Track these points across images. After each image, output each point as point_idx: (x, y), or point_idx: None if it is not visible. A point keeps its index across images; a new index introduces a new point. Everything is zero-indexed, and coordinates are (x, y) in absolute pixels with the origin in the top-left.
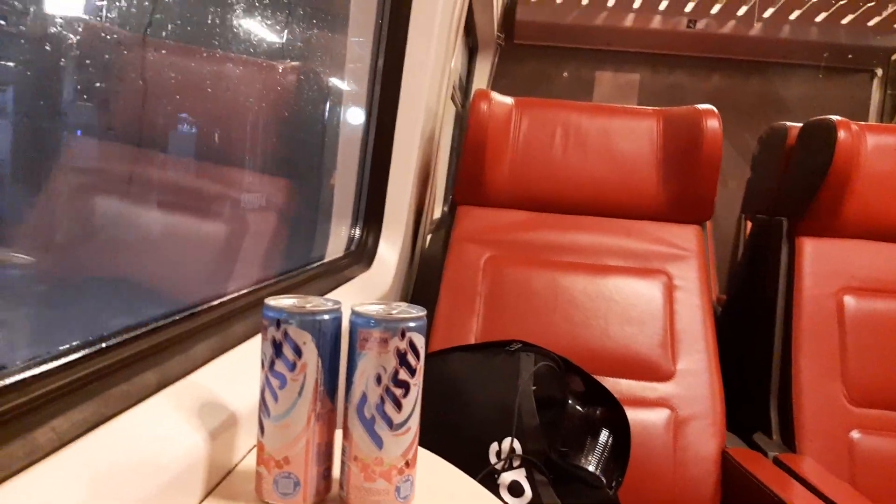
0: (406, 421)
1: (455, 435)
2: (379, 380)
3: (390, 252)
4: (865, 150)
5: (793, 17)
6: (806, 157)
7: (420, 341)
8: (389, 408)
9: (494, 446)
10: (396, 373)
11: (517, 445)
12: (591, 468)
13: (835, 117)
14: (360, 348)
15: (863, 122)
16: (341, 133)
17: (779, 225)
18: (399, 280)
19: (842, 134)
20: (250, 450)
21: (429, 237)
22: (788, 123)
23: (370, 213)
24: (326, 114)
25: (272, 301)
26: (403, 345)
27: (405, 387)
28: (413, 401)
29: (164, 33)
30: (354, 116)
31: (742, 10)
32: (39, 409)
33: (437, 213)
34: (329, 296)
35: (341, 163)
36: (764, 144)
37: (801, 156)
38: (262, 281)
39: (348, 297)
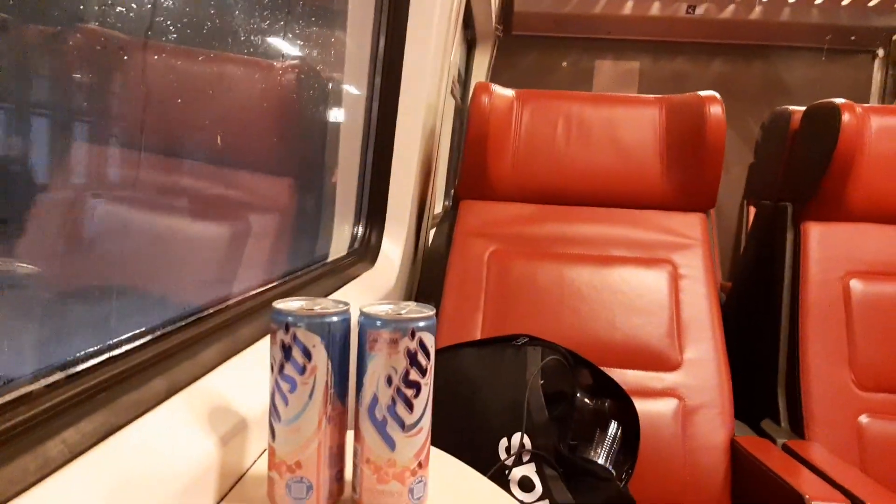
0: (418, 422)
1: (464, 431)
2: (390, 381)
3: (394, 249)
4: (870, 133)
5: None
6: (810, 141)
7: (430, 341)
8: (401, 409)
9: (504, 442)
10: (407, 373)
11: (527, 441)
12: (600, 461)
13: (838, 100)
14: (369, 349)
15: (867, 105)
16: (342, 130)
17: (783, 210)
18: (403, 276)
19: (846, 117)
20: (261, 454)
21: (431, 232)
22: (791, 107)
23: (373, 210)
24: (327, 111)
25: (280, 304)
26: (413, 345)
27: (416, 387)
28: (424, 401)
29: (162, 34)
30: (355, 113)
31: None
32: (49, 421)
33: (438, 208)
34: (334, 295)
35: (343, 160)
36: (767, 129)
37: (806, 140)
38: (268, 283)
39: (354, 295)
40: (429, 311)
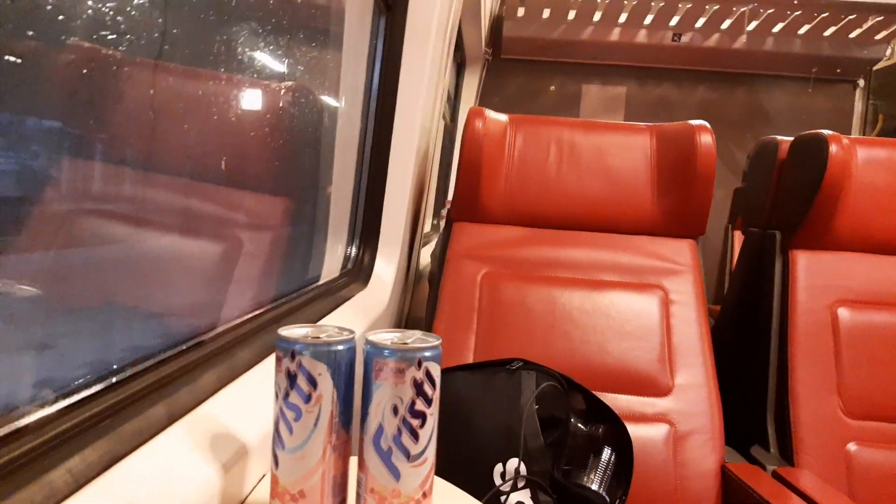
0: (423, 451)
1: (458, 456)
2: (396, 410)
3: (387, 270)
4: (856, 164)
5: (776, 29)
6: (798, 170)
7: (436, 371)
8: (406, 439)
9: (499, 467)
10: (413, 403)
11: (522, 467)
12: (594, 486)
13: (826, 132)
14: (375, 378)
15: (853, 136)
16: (337, 150)
17: (772, 238)
18: (396, 297)
19: (833, 148)
20: (260, 479)
21: (422, 251)
22: (779, 137)
23: (366, 230)
24: (321, 132)
25: (285, 331)
26: (420, 375)
27: (422, 417)
28: (430, 431)
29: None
30: (349, 134)
31: (726, 24)
32: (54, 450)
33: (427, 228)
34: (329, 317)
35: (336, 180)
36: (755, 157)
37: (793, 169)
38: (264, 304)
39: (348, 317)
40: (435, 341)
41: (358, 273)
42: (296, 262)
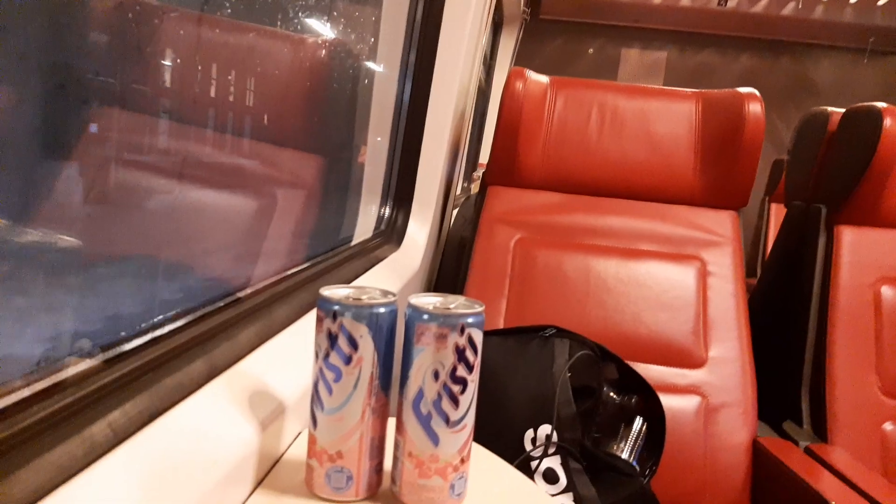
0: (463, 417)
1: (489, 421)
2: (437, 375)
3: (419, 231)
4: None
5: None
6: (848, 144)
7: (479, 337)
8: (447, 404)
9: (530, 433)
10: (454, 369)
11: (554, 434)
12: (624, 455)
13: (880, 104)
14: (416, 343)
15: None
16: (373, 110)
17: (817, 213)
18: (427, 259)
19: (888, 122)
20: (295, 438)
21: (453, 214)
22: (829, 109)
23: (400, 191)
24: (358, 89)
25: (327, 292)
26: (462, 340)
27: (463, 383)
28: (470, 397)
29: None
30: (387, 92)
31: None
32: (95, 403)
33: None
34: (363, 277)
35: (372, 139)
36: (802, 129)
37: (843, 143)
38: (300, 263)
39: (382, 278)
40: (479, 307)
41: (391, 234)
42: (331, 220)
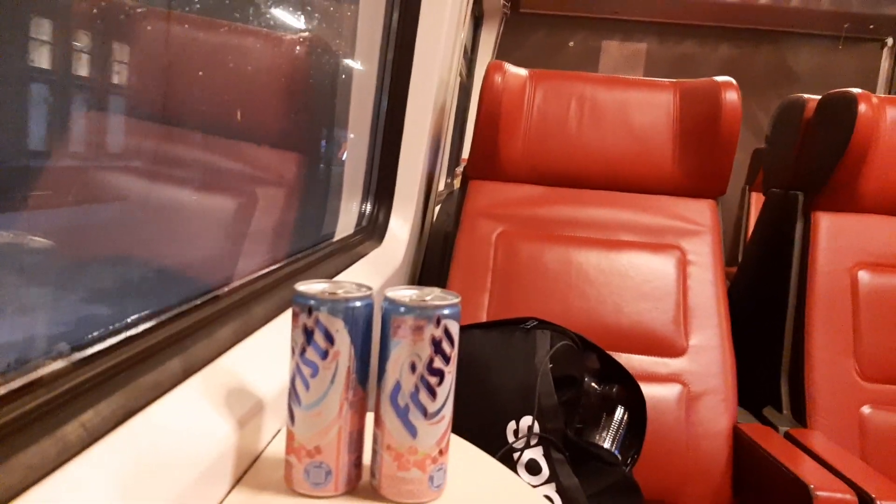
0: (440, 409)
1: (472, 414)
2: (413, 368)
3: (401, 227)
4: (885, 124)
5: None
6: (825, 130)
7: (455, 328)
8: (424, 396)
9: (512, 425)
10: (431, 361)
11: (535, 424)
12: (606, 445)
13: (855, 90)
14: (393, 336)
15: (883, 95)
16: (352, 106)
17: (794, 199)
18: (410, 254)
19: (862, 107)
20: (275, 435)
21: (436, 209)
22: (806, 96)
23: (381, 187)
24: (337, 85)
25: (303, 287)
26: (439, 332)
27: (440, 375)
28: (447, 389)
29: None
30: (365, 88)
31: None
32: (67, 404)
33: (441, 186)
34: (344, 273)
35: (352, 135)
36: (779, 117)
37: (820, 129)
38: (279, 260)
39: (363, 274)
40: (454, 299)
41: (373, 230)
42: (311, 217)
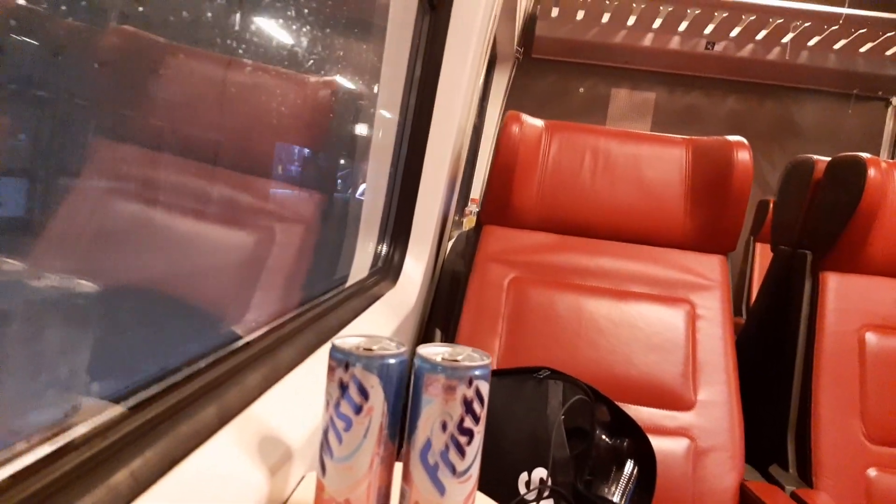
0: (469, 468)
1: (486, 463)
2: (444, 427)
3: (416, 269)
4: (894, 188)
5: (811, 43)
6: (833, 192)
7: (485, 389)
8: (453, 455)
9: (524, 476)
10: (462, 420)
11: (547, 476)
12: (616, 499)
13: (864, 155)
14: (425, 393)
15: (891, 160)
16: (372, 148)
17: (803, 258)
18: (423, 296)
19: (871, 172)
20: (300, 481)
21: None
22: (815, 157)
23: (398, 228)
24: (357, 128)
25: (339, 341)
26: (470, 393)
27: (470, 434)
28: (476, 448)
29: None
30: (386, 132)
31: (761, 35)
32: (119, 452)
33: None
34: (362, 316)
35: (370, 178)
36: (789, 176)
37: (829, 190)
38: (304, 304)
39: (379, 316)
40: (486, 359)
41: (388, 271)
42: (332, 259)
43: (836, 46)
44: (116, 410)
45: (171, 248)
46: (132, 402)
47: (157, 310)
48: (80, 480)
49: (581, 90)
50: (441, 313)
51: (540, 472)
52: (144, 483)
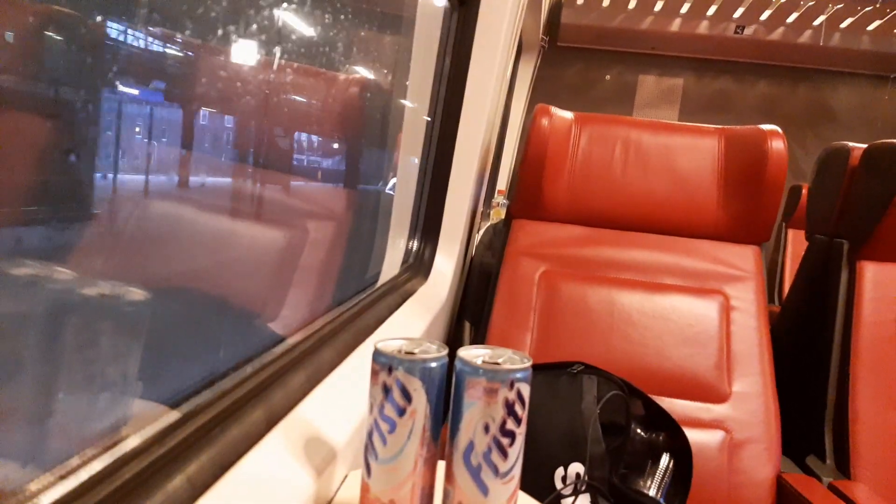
0: (511, 469)
1: (522, 458)
2: (487, 429)
3: (446, 263)
4: None
5: (844, 24)
6: (870, 180)
7: (526, 391)
8: (496, 456)
9: (560, 471)
10: (504, 423)
11: (583, 471)
12: (651, 493)
13: None
14: (467, 396)
15: None
16: (402, 144)
17: (839, 247)
18: (453, 291)
19: None
20: (343, 480)
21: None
22: (850, 144)
23: (428, 224)
24: (388, 123)
25: (382, 345)
26: (512, 395)
27: (512, 436)
28: (518, 449)
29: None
30: (416, 127)
31: (792, 17)
32: (176, 458)
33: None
34: (397, 313)
35: (400, 174)
36: (824, 163)
37: (865, 179)
38: (343, 302)
39: (413, 313)
40: (527, 362)
41: (419, 267)
42: (365, 256)
43: (871, 28)
44: (173, 416)
45: (229, 253)
46: (186, 408)
47: (207, 315)
48: (140, 487)
49: (607, 77)
50: (471, 307)
51: (576, 468)
52: (201, 488)
